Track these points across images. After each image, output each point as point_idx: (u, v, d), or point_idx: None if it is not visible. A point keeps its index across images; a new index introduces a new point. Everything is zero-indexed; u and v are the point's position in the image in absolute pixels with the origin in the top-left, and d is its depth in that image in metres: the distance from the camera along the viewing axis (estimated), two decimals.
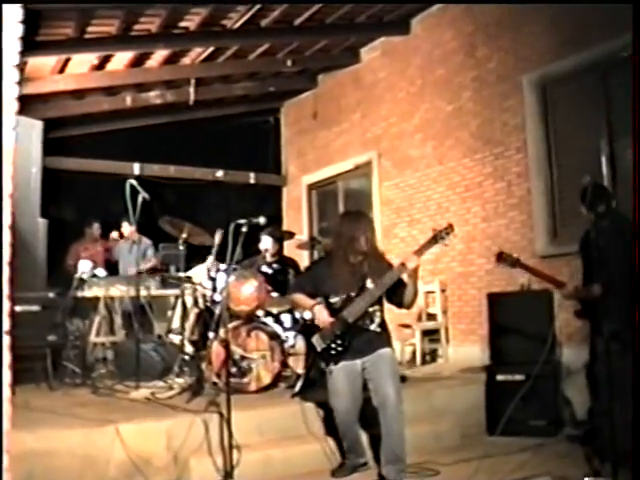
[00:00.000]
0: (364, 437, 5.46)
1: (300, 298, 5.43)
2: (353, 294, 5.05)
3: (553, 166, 7.99)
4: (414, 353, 8.76)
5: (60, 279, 8.79)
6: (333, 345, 5.08)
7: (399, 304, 5.18)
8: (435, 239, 4.95)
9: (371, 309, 5.06)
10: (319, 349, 5.18)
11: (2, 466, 4.23)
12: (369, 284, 5.03)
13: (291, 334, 6.97)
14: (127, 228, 9.82)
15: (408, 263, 4.87)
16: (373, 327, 5.08)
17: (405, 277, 5.00)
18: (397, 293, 5.08)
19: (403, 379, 6.75)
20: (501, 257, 5.64)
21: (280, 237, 8.07)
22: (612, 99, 7.37)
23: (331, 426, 5.45)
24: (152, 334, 7.98)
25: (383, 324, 5.17)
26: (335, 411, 5.17)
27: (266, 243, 7.73)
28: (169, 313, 8.24)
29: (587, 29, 7.45)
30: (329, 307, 5.15)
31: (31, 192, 9.45)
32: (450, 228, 4.99)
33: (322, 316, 5.13)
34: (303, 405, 5.81)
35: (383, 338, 5.14)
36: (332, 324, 5.07)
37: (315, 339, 5.19)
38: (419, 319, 9.15)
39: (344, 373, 5.07)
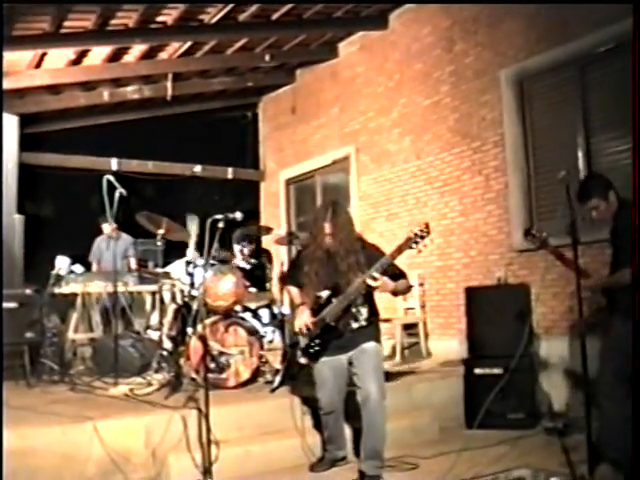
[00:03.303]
0: (346, 430, 5.47)
1: (293, 292, 5.45)
2: (336, 290, 4.99)
3: (530, 160, 8.02)
4: (394, 347, 8.77)
5: (37, 275, 8.74)
6: (312, 344, 5.08)
7: (393, 294, 5.19)
8: (408, 244, 4.78)
9: (354, 309, 5.01)
10: (302, 346, 5.16)
11: (2, 464, 4.23)
12: (352, 279, 4.93)
13: (269, 329, 6.98)
14: (107, 227, 9.70)
15: (369, 281, 4.75)
16: (357, 325, 5.02)
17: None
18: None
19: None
20: (529, 233, 5.31)
21: (251, 239, 7.99)
22: (588, 94, 7.42)
23: (310, 421, 5.47)
24: (130, 330, 7.95)
25: (370, 317, 5.08)
26: (320, 401, 5.18)
27: (239, 251, 7.72)
28: (147, 309, 8.24)
29: (563, 25, 7.49)
30: (316, 303, 5.12)
31: (7, 188, 9.40)
32: (426, 230, 4.80)
33: (301, 319, 5.12)
34: (282, 400, 5.81)
35: (369, 332, 5.06)
36: (314, 324, 5.05)
37: (300, 336, 5.18)
38: (398, 313, 9.17)
39: (328, 366, 5.08)
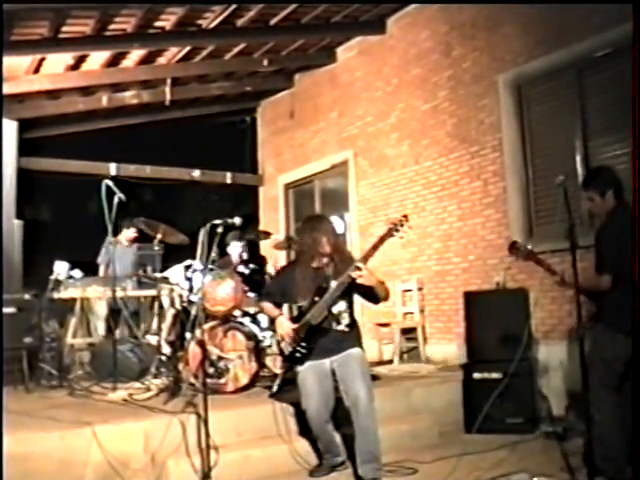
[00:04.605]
0: (338, 437, 5.45)
1: (267, 307, 5.53)
2: (317, 298, 5.08)
3: (528, 165, 8.03)
4: (393, 352, 8.76)
5: (36, 280, 8.72)
6: (298, 348, 5.13)
7: (374, 301, 5.22)
8: (390, 233, 4.92)
9: (336, 310, 5.09)
10: (286, 353, 5.24)
11: (2, 466, 4.23)
12: (333, 286, 5.04)
13: (268, 334, 6.96)
14: (130, 233, 9.51)
15: (353, 273, 4.85)
16: (340, 327, 5.11)
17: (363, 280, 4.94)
18: (367, 292, 5.10)
19: (374, 377, 6.82)
20: (514, 247, 5.31)
21: (248, 239, 8.01)
22: (586, 98, 7.43)
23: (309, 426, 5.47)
24: (129, 335, 7.94)
25: (352, 324, 5.19)
26: (306, 412, 5.18)
27: (235, 250, 7.72)
28: (146, 314, 8.22)
29: (561, 30, 7.50)
30: (298, 311, 5.23)
31: (6, 193, 9.39)
32: (404, 219, 4.95)
33: (283, 328, 5.23)
34: (281, 405, 5.80)
35: (352, 338, 5.15)
36: (296, 330, 5.13)
37: (283, 344, 5.26)
38: (396, 318, 9.17)
39: (312, 373, 5.10)
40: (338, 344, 5.08)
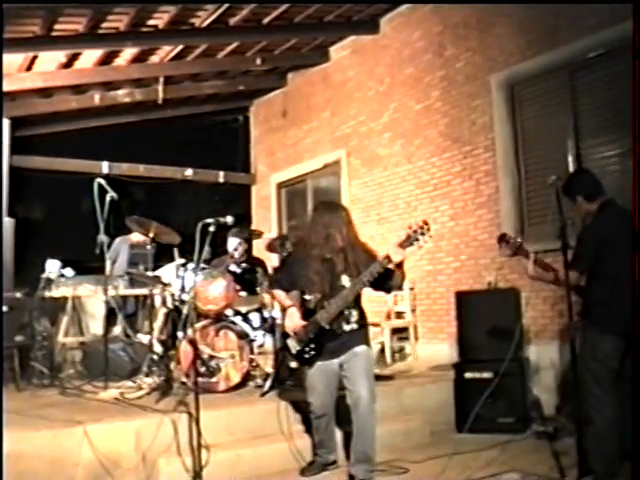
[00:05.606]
0: (337, 433, 5.46)
1: (279, 295, 5.37)
2: (328, 293, 4.97)
3: (521, 165, 8.04)
4: (383, 351, 8.76)
5: (27, 279, 8.70)
6: (307, 349, 5.03)
7: (386, 290, 5.12)
8: (409, 242, 4.67)
9: (346, 311, 4.97)
10: (294, 352, 5.13)
11: (2, 467, 4.22)
12: (345, 282, 4.95)
13: (260, 333, 6.97)
14: (139, 237, 9.35)
15: (394, 256, 4.67)
16: (349, 328, 4.99)
17: (391, 266, 4.78)
18: (384, 281, 4.90)
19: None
20: (503, 239, 5.20)
21: (247, 237, 8.02)
22: (579, 99, 7.44)
23: (301, 425, 5.46)
24: (120, 334, 7.93)
25: (360, 320, 5.06)
26: (311, 405, 5.16)
27: (233, 244, 7.71)
28: (138, 313, 8.21)
29: (554, 30, 7.51)
30: (303, 306, 5.13)
31: None
32: (426, 226, 4.69)
33: (293, 320, 5.09)
34: (272, 404, 5.81)
35: (359, 335, 5.04)
36: (305, 327, 5.03)
37: (290, 341, 5.14)
38: (388, 317, 9.18)
39: (321, 372, 5.06)
40: (345, 344, 4.99)
